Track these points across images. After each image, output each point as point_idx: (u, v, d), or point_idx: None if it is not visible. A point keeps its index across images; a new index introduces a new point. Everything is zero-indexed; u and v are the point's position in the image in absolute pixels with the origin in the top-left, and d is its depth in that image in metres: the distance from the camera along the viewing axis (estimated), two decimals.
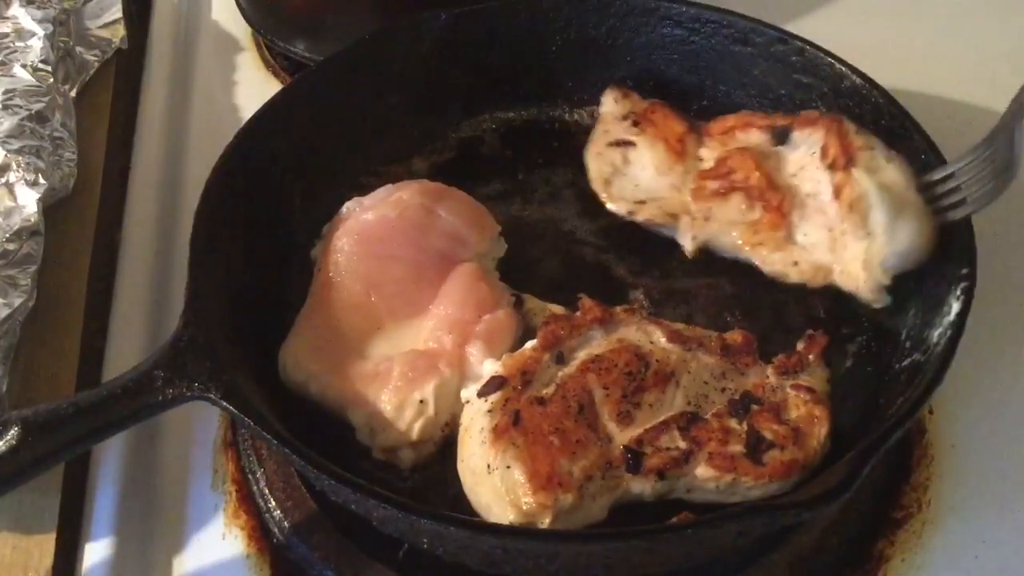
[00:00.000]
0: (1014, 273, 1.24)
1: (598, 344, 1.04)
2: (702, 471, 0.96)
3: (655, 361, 1.02)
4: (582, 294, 1.08)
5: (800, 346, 1.06)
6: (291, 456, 0.91)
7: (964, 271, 1.02)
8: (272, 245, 1.18)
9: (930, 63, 1.49)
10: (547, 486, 0.92)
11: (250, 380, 1.00)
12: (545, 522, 0.92)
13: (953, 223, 1.05)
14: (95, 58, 1.47)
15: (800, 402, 1.01)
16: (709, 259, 1.18)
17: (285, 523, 1.05)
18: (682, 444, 0.97)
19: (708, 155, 1.21)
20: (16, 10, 1.43)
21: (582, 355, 1.03)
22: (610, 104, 1.27)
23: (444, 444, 1.03)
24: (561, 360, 1.02)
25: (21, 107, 1.30)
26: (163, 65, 1.56)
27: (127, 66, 1.53)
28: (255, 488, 1.09)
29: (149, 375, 0.94)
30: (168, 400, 0.94)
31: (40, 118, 1.30)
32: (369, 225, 1.15)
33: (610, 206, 1.21)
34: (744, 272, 1.16)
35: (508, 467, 0.94)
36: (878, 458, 0.89)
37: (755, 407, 1.01)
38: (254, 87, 1.53)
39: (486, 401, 0.99)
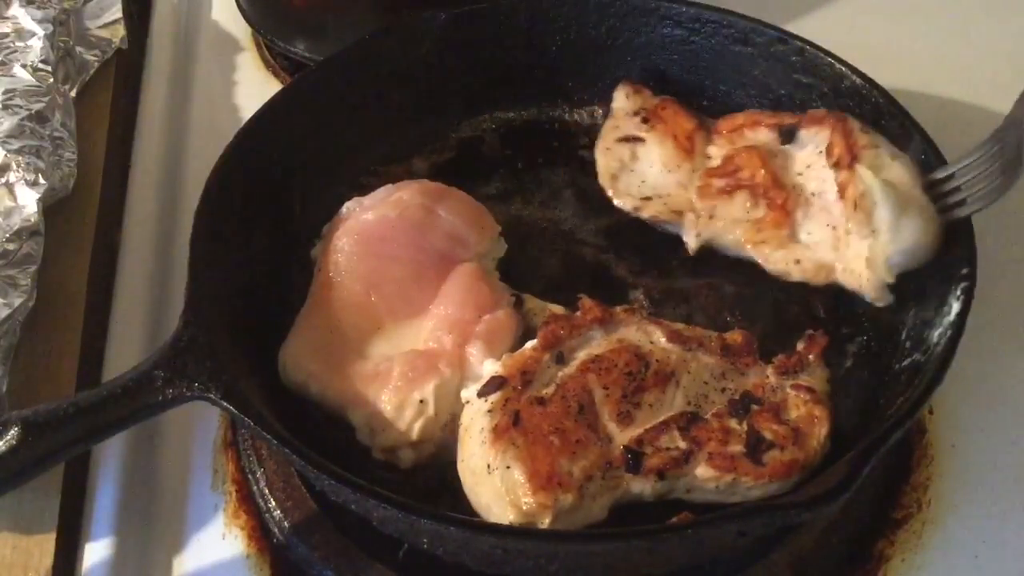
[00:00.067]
0: (1014, 273, 1.24)
1: (598, 344, 1.04)
2: (702, 471, 0.96)
3: (655, 361, 1.02)
4: (582, 294, 1.08)
5: (800, 346, 1.06)
6: (291, 456, 0.91)
7: (964, 271, 1.02)
8: (272, 245, 1.18)
9: (930, 63, 1.49)
10: (547, 486, 0.92)
11: (250, 380, 1.00)
12: (545, 522, 0.92)
13: (955, 222, 1.05)
14: (95, 58, 1.46)
15: (800, 402, 1.01)
16: (710, 259, 1.18)
17: (285, 523, 1.05)
18: (682, 444, 0.97)
19: (716, 153, 1.22)
20: (16, 10, 1.43)
21: (582, 355, 1.03)
22: (621, 100, 1.27)
23: (444, 444, 1.03)
24: (561, 360, 1.02)
25: (21, 107, 1.30)
26: (163, 65, 1.56)
27: (127, 66, 1.53)
28: (255, 488, 1.09)
29: (149, 375, 0.94)
30: (168, 400, 0.94)
31: (40, 118, 1.30)
32: (369, 225, 1.15)
33: (616, 201, 1.21)
34: (745, 272, 1.16)
35: (508, 467, 0.94)
36: (878, 458, 0.89)
37: (755, 407, 1.01)
38: (254, 87, 1.53)
39: (486, 401, 0.99)
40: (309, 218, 1.21)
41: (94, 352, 1.21)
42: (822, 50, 1.22)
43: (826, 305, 1.14)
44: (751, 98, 1.29)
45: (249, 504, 1.09)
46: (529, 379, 1.00)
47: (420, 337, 1.09)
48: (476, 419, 0.99)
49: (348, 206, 1.18)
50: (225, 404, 0.93)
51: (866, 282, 1.08)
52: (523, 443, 0.95)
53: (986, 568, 1.03)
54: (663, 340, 1.04)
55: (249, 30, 1.59)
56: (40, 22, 1.41)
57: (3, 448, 0.90)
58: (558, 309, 1.11)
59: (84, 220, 1.30)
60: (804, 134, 1.18)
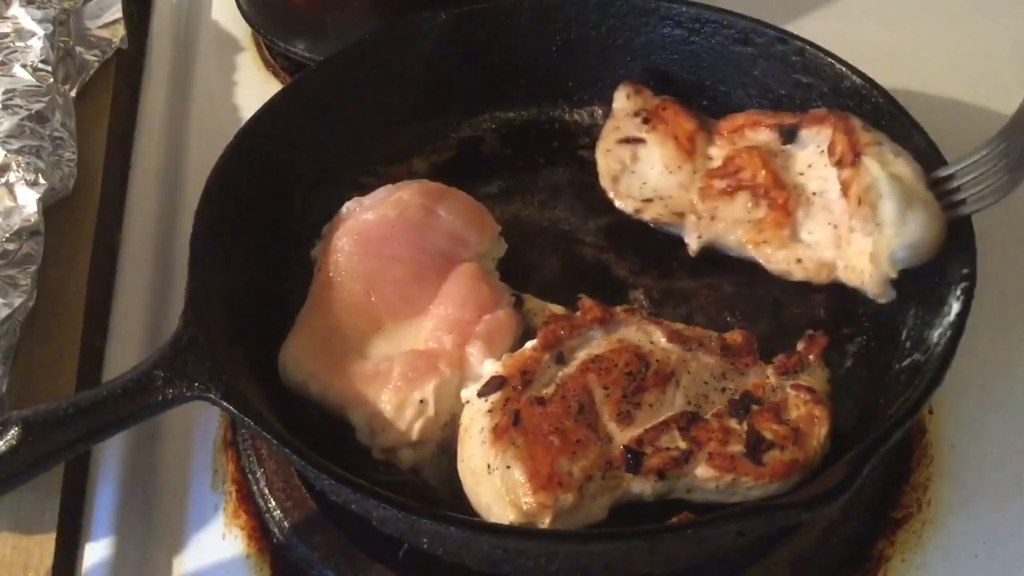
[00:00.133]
0: (1014, 273, 1.24)
1: (598, 344, 1.04)
2: (702, 471, 0.96)
3: (655, 361, 1.02)
4: (582, 294, 1.08)
5: (800, 346, 1.06)
6: (291, 456, 0.91)
7: (964, 271, 1.02)
8: (272, 245, 1.18)
9: (930, 63, 1.49)
10: (547, 486, 0.92)
11: (250, 380, 1.00)
12: (545, 522, 0.92)
13: (956, 221, 1.04)
14: (95, 58, 1.47)
15: (800, 402, 1.01)
16: (710, 259, 1.18)
17: (285, 523, 1.05)
18: (682, 444, 0.97)
19: (717, 153, 1.22)
20: (16, 10, 1.43)
21: (582, 355, 1.03)
22: (622, 100, 1.27)
23: (444, 444, 1.03)
24: (561, 360, 1.02)
25: (21, 107, 1.30)
26: (163, 65, 1.56)
27: (127, 66, 1.53)
28: (255, 488, 1.09)
29: (149, 375, 0.94)
30: (168, 400, 0.94)
31: (40, 118, 1.30)
32: (369, 225, 1.15)
33: (618, 203, 1.21)
34: (744, 272, 1.16)
35: (508, 467, 0.94)
36: (878, 458, 0.89)
37: (755, 407, 1.01)
38: (254, 87, 1.53)
39: (486, 401, 0.99)
40: (309, 218, 1.21)
41: (94, 352, 1.21)
42: (822, 50, 1.22)
43: (826, 305, 1.14)
44: (751, 98, 1.29)
45: (249, 504, 1.09)
46: (529, 379, 1.00)
47: (420, 337, 1.09)
48: (476, 419, 0.99)
49: (348, 206, 1.18)
50: (225, 404, 0.93)
51: (868, 278, 1.08)
52: (523, 443, 0.95)
53: (986, 568, 1.03)
54: (663, 340, 1.04)
55: (249, 30, 1.59)
56: (40, 22, 1.41)
57: (3, 448, 0.90)
58: (558, 309, 1.10)
59: (84, 220, 1.30)
60: (805, 134, 1.18)
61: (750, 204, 1.16)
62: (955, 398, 1.13)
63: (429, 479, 1.03)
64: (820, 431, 0.98)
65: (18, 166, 1.23)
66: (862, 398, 1.06)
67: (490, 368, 1.03)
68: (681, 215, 1.19)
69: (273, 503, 1.07)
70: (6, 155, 1.24)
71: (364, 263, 1.13)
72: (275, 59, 1.57)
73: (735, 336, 1.06)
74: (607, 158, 1.24)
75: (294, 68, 1.52)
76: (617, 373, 1.01)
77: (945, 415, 1.12)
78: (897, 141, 1.11)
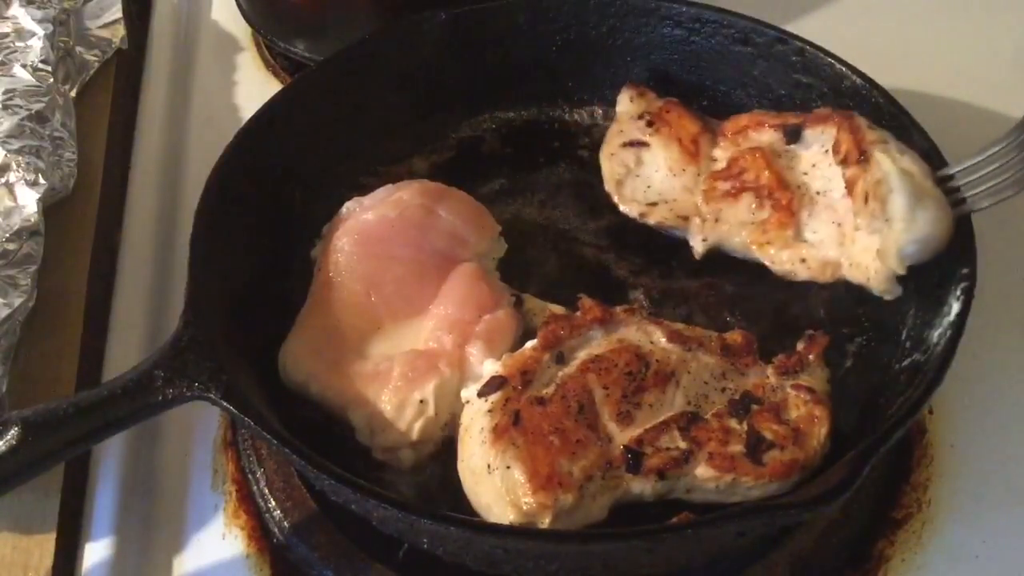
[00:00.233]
0: (1014, 273, 1.24)
1: (598, 344, 1.04)
2: (702, 471, 0.96)
3: (655, 361, 1.02)
4: (582, 294, 1.08)
5: (800, 346, 1.06)
6: (291, 456, 0.91)
7: (964, 271, 1.02)
8: (272, 245, 1.18)
9: (930, 63, 1.49)
10: (547, 486, 0.92)
11: (250, 380, 1.00)
12: (545, 522, 0.92)
13: (956, 222, 1.04)
14: (95, 58, 1.47)
15: (800, 402, 1.01)
16: (710, 259, 1.18)
17: (285, 523, 1.05)
18: (682, 444, 0.97)
19: (721, 155, 1.21)
20: (16, 10, 1.43)
21: (582, 355, 1.03)
22: (625, 103, 1.27)
23: (444, 444, 1.03)
24: (561, 360, 1.02)
25: (21, 107, 1.30)
26: (163, 65, 1.56)
27: (127, 66, 1.53)
28: (255, 488, 1.09)
29: (149, 375, 0.94)
30: (168, 400, 0.94)
31: (40, 118, 1.30)
32: (369, 225, 1.15)
33: (622, 208, 1.21)
34: (745, 272, 1.16)
35: (508, 467, 0.94)
36: (878, 458, 0.89)
37: (755, 407, 1.00)
38: (254, 87, 1.53)
39: (486, 401, 0.99)
40: (309, 218, 1.21)
41: (94, 352, 1.21)
42: (822, 50, 1.22)
43: (826, 305, 1.14)
44: (751, 98, 1.29)
45: (249, 504, 1.09)
46: (529, 379, 1.00)
47: (420, 337, 1.09)
48: (476, 419, 0.99)
49: (348, 206, 1.18)
50: (225, 404, 0.93)
51: (874, 274, 1.07)
52: (523, 443, 0.95)
53: (986, 568, 1.03)
54: (663, 340, 1.04)
55: (249, 30, 1.59)
56: (40, 22, 1.41)
57: (3, 448, 0.90)
58: (558, 309, 1.11)
59: (84, 220, 1.30)
60: (809, 133, 1.17)
61: (754, 205, 1.16)
62: (955, 398, 1.13)
63: (429, 479, 1.03)
64: (820, 431, 0.98)
65: (18, 166, 1.23)
66: (862, 398, 1.06)
67: (490, 368, 1.03)
68: (686, 218, 1.18)
69: (273, 503, 1.07)
70: (6, 155, 1.24)
71: (364, 263, 1.13)
72: (275, 59, 1.57)
73: (735, 336, 1.06)
74: (611, 162, 1.24)
75: (294, 68, 1.52)
76: (617, 373, 1.01)
77: (945, 415, 1.12)
78: (886, 145, 1.11)
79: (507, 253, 1.20)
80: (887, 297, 1.08)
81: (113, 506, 1.08)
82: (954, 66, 1.49)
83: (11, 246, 1.17)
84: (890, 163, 1.05)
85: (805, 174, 1.17)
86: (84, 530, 1.07)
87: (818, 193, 1.15)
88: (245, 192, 1.15)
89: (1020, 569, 1.03)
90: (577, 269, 1.20)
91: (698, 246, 1.17)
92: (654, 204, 1.20)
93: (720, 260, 1.18)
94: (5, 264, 1.15)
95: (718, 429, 0.99)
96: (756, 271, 1.16)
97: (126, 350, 1.21)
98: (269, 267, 1.17)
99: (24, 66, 1.35)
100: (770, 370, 1.04)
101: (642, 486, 0.96)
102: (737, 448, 0.97)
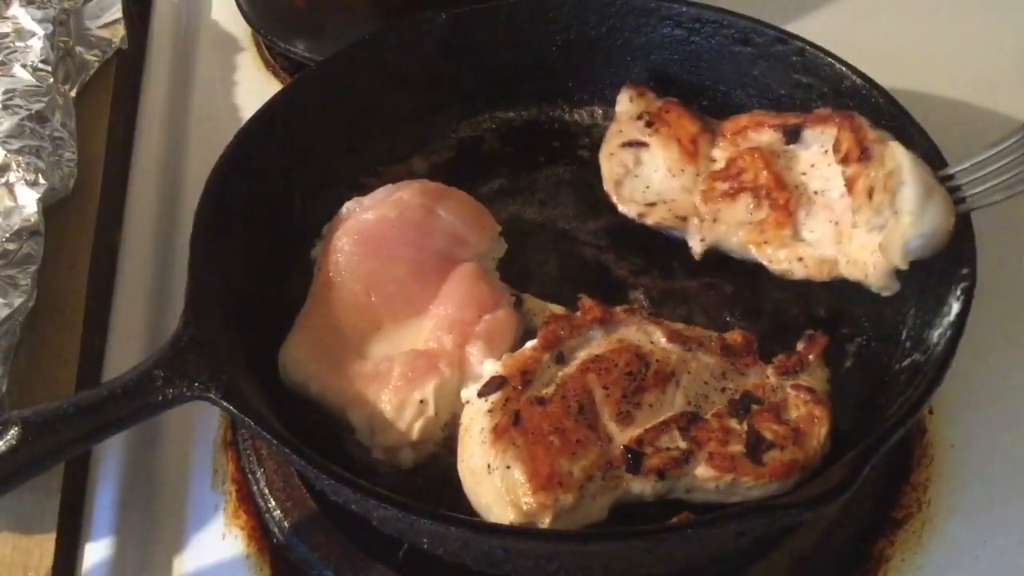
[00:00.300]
0: (1014, 273, 1.24)
1: (598, 344, 1.04)
2: (702, 471, 0.96)
3: (655, 361, 1.02)
4: (582, 294, 1.08)
5: (800, 346, 1.06)
6: (291, 456, 0.91)
7: (964, 271, 1.02)
8: (272, 245, 1.18)
9: (930, 63, 1.49)
10: (547, 486, 0.92)
11: (250, 380, 1.00)
12: (545, 522, 0.92)
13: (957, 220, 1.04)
14: (95, 58, 1.47)
15: (800, 402, 1.01)
16: (710, 259, 1.18)
17: (285, 523, 1.05)
18: (682, 444, 0.97)
19: (720, 155, 1.21)
20: (16, 10, 1.43)
21: (582, 355, 1.03)
22: (625, 103, 1.27)
23: (444, 444, 1.03)
24: (561, 360, 1.02)
25: (21, 107, 1.30)
26: (163, 65, 1.56)
27: (127, 66, 1.53)
28: (255, 488, 1.09)
29: (149, 375, 0.94)
30: (168, 400, 0.94)
31: (40, 118, 1.30)
32: (369, 225, 1.15)
33: (621, 208, 1.21)
34: (744, 272, 1.16)
35: (508, 467, 0.94)
36: (878, 458, 0.89)
37: (755, 407, 1.00)
38: (254, 87, 1.53)
39: (486, 401, 0.99)
40: (309, 218, 1.21)
41: (94, 352, 1.21)
42: (822, 50, 1.22)
43: (826, 305, 1.14)
44: (751, 98, 1.29)
45: (249, 504, 1.09)
46: (529, 379, 1.00)
47: (420, 337, 1.09)
48: (476, 419, 0.99)
49: (348, 206, 1.18)
50: (225, 404, 0.93)
51: (872, 270, 1.07)
52: (523, 443, 0.95)
53: (986, 568, 1.03)
54: (663, 340, 1.04)
55: (249, 30, 1.59)
56: (40, 22, 1.41)
57: (3, 448, 0.90)
58: (558, 309, 1.11)
59: (84, 220, 1.30)
60: (809, 134, 1.17)
61: (752, 205, 1.16)
62: (955, 398, 1.13)
63: (429, 479, 1.03)
64: (820, 431, 0.98)
65: (18, 166, 1.23)
66: (862, 398, 1.06)
67: (490, 368, 1.03)
68: (684, 219, 1.18)
69: (273, 503, 1.07)
70: (6, 155, 1.24)
71: (364, 263, 1.13)
72: (275, 59, 1.57)
73: (735, 336, 1.06)
74: (610, 162, 1.24)
75: (294, 68, 1.52)
76: (617, 373, 1.01)
77: (945, 415, 1.12)
78: (896, 138, 1.11)
79: (507, 253, 1.20)
80: (885, 293, 1.08)
81: (113, 506, 1.08)
82: (954, 66, 1.49)
83: (11, 246, 1.17)
84: (904, 153, 1.05)
85: (803, 174, 1.17)
86: (84, 530, 1.07)
87: (816, 193, 1.15)
88: (245, 192, 1.15)
89: (1020, 569, 1.03)
90: (577, 269, 1.20)
91: (696, 246, 1.17)
92: (652, 204, 1.20)
93: (720, 260, 1.18)
94: (5, 264, 1.15)
95: (718, 429, 0.99)
96: (756, 271, 1.15)
97: (126, 350, 1.21)
98: (269, 267, 1.17)
99: (24, 66, 1.35)
100: (770, 370, 1.04)
101: (642, 486, 0.96)
102: (737, 448, 0.97)
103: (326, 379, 1.06)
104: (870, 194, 1.07)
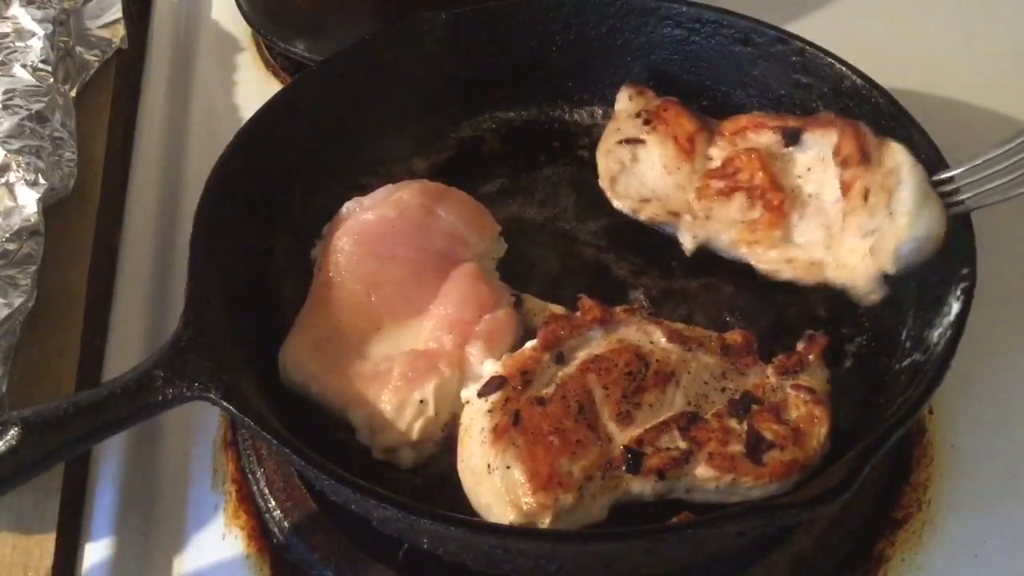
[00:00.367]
0: (1014, 273, 1.24)
1: (598, 344, 1.04)
2: (702, 471, 0.96)
3: (655, 361, 1.02)
4: (582, 294, 1.08)
5: (800, 346, 1.06)
6: (291, 456, 0.91)
7: (964, 271, 1.02)
8: (272, 245, 1.18)
9: (930, 63, 1.49)
10: (547, 486, 0.92)
11: (250, 380, 1.00)
12: (545, 522, 0.92)
13: (955, 222, 1.04)
14: (95, 58, 1.47)
15: (800, 402, 1.01)
16: (710, 259, 1.18)
17: (285, 523, 1.05)
18: (682, 444, 0.97)
19: (717, 155, 1.21)
20: (16, 10, 1.43)
21: (582, 355, 1.03)
22: (624, 101, 1.27)
23: (444, 444, 1.03)
24: (561, 360, 1.02)
25: (21, 107, 1.30)
26: (163, 65, 1.56)
27: (127, 66, 1.53)
28: (255, 488, 1.09)
29: (149, 375, 0.94)
30: (168, 400, 0.94)
31: (40, 118, 1.30)
32: (369, 225, 1.15)
33: (615, 203, 1.21)
34: (744, 272, 1.16)
35: (508, 467, 0.94)
36: (878, 458, 0.89)
37: (755, 407, 1.00)
38: (254, 87, 1.53)
39: (486, 401, 0.99)
40: (309, 218, 1.21)
41: (94, 352, 1.21)
42: (822, 50, 1.22)
43: (826, 305, 1.14)
44: (751, 98, 1.29)
45: (249, 504, 1.09)
46: (529, 379, 1.00)
47: (420, 337, 1.09)
48: (476, 419, 0.99)
49: (348, 206, 1.18)
50: (225, 404, 0.93)
51: (860, 274, 1.07)
52: (523, 443, 0.95)
53: (986, 568, 1.03)
54: (663, 340, 1.04)
55: (249, 30, 1.60)
56: (40, 22, 1.41)
57: (3, 448, 0.90)
58: (558, 309, 1.11)
59: (84, 220, 1.30)
60: (808, 137, 1.17)
61: (746, 205, 1.16)
62: (955, 398, 1.13)
63: (429, 479, 1.03)
64: (820, 431, 0.99)
65: (18, 166, 1.23)
66: (862, 398, 1.06)
67: (490, 368, 1.03)
68: (677, 215, 1.18)
69: (273, 503, 1.07)
70: (6, 155, 1.24)
71: (364, 263, 1.13)
72: (275, 59, 1.57)
73: (735, 336, 1.06)
74: (607, 159, 1.24)
75: (294, 68, 1.52)
76: (617, 373, 1.01)
77: (945, 415, 1.12)
78: (898, 141, 1.11)
79: (507, 253, 1.20)
80: (871, 298, 1.08)
81: (113, 506, 1.08)
82: (954, 66, 1.49)
83: (11, 246, 1.17)
84: (905, 153, 1.05)
85: (799, 177, 1.17)
86: (84, 530, 1.07)
87: (810, 196, 1.15)
88: (245, 192, 1.15)
89: (1020, 569, 1.03)
90: (577, 269, 1.20)
91: (688, 243, 1.17)
92: (647, 200, 1.20)
93: (720, 260, 1.18)
94: (5, 264, 1.15)
95: (718, 429, 0.99)
96: (755, 272, 1.15)
97: (126, 350, 1.21)
98: (269, 267, 1.17)
99: (24, 66, 1.35)
100: (770, 370, 1.04)
101: (642, 486, 0.96)
102: (737, 448, 0.97)
103: (326, 379, 1.06)
104: (866, 196, 1.07)
